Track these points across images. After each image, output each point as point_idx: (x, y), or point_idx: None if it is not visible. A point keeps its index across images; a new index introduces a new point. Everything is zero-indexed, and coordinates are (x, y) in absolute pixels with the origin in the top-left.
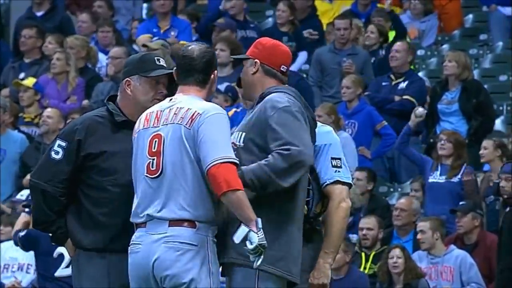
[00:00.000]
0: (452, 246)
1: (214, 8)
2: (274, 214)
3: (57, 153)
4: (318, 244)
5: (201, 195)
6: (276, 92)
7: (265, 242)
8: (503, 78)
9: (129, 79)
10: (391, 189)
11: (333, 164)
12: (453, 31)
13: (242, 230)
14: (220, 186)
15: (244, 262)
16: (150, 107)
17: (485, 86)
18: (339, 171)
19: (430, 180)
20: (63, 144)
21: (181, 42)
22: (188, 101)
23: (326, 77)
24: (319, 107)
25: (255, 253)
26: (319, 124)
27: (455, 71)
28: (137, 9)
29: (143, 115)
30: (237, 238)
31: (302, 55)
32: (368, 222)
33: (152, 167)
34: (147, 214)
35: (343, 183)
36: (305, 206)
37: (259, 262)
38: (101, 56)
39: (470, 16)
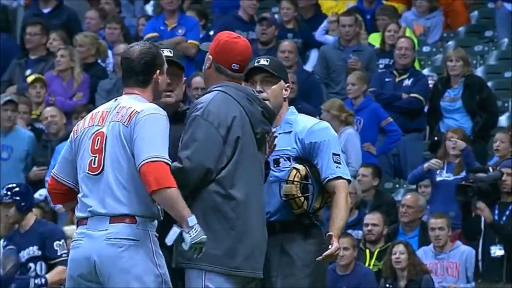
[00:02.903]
0: (458, 242)
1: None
2: (204, 212)
3: None
4: (317, 239)
5: (139, 191)
6: (213, 90)
7: (201, 237)
8: (508, 74)
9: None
10: (397, 185)
11: (334, 160)
12: (458, 27)
13: (173, 232)
14: (150, 184)
15: (191, 265)
16: (165, 99)
17: (490, 82)
18: (339, 167)
19: (438, 179)
20: None
21: (190, 41)
22: (130, 100)
23: (332, 74)
24: (326, 103)
25: (194, 251)
26: (316, 120)
27: (462, 70)
28: (137, 6)
29: (89, 115)
30: (169, 240)
31: (314, 54)
32: (373, 218)
33: (94, 165)
34: (89, 210)
35: (344, 179)
36: (305, 201)
37: (198, 256)
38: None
39: (476, 12)
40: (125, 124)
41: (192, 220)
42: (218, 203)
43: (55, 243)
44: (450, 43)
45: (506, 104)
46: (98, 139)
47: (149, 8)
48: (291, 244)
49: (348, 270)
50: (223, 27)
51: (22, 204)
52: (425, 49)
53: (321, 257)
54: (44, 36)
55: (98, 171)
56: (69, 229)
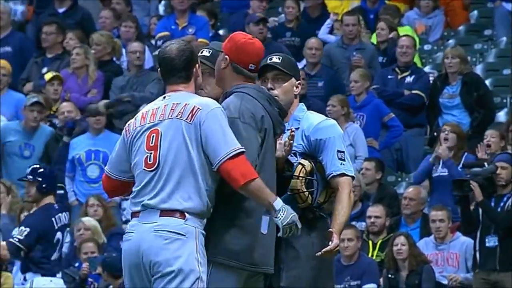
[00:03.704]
0: (458, 233)
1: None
2: (225, 208)
3: None
4: (322, 232)
5: (195, 188)
6: (237, 91)
7: (291, 217)
8: (506, 71)
9: None
10: (399, 179)
11: (339, 157)
12: (458, 26)
13: (264, 220)
14: (237, 179)
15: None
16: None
17: (489, 79)
18: (343, 164)
19: (434, 174)
20: None
21: (199, 40)
22: (182, 97)
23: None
24: (333, 98)
25: (289, 233)
26: (322, 117)
27: (459, 67)
28: (152, 5)
29: (139, 114)
30: (263, 229)
31: None
32: (376, 210)
33: (149, 161)
34: (142, 204)
35: (348, 176)
36: (310, 196)
37: (296, 233)
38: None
39: (475, 12)
40: (187, 121)
41: (278, 203)
42: (242, 201)
43: (21, 227)
44: (451, 41)
45: (504, 100)
46: (153, 136)
47: (160, 8)
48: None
49: (352, 261)
50: (235, 25)
51: (43, 185)
52: (427, 47)
53: (320, 253)
54: (60, 35)
55: (154, 167)
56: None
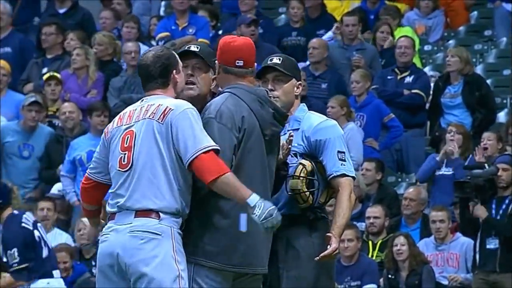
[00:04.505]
0: (458, 234)
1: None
2: (205, 209)
3: None
4: (322, 232)
5: (168, 187)
6: (224, 91)
7: (268, 211)
8: (506, 72)
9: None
10: (399, 179)
11: (339, 157)
12: (459, 27)
13: (242, 218)
14: (205, 177)
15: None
16: (187, 92)
17: (490, 80)
18: (344, 165)
19: (438, 173)
20: None
21: (200, 40)
22: (157, 98)
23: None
24: (332, 99)
25: (270, 226)
26: (323, 118)
27: (458, 66)
28: (154, 6)
29: (117, 116)
30: (242, 227)
31: None
32: (375, 211)
33: (124, 161)
34: (117, 205)
35: (348, 176)
36: (311, 196)
37: (269, 224)
38: None
39: (475, 12)
40: (159, 121)
41: (253, 199)
42: (218, 202)
43: (8, 251)
44: (451, 42)
45: (504, 101)
46: (128, 137)
47: (160, 8)
48: (297, 237)
49: (353, 261)
50: (227, 28)
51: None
52: (427, 48)
53: (318, 257)
54: (60, 35)
55: (127, 168)
56: (86, 220)
